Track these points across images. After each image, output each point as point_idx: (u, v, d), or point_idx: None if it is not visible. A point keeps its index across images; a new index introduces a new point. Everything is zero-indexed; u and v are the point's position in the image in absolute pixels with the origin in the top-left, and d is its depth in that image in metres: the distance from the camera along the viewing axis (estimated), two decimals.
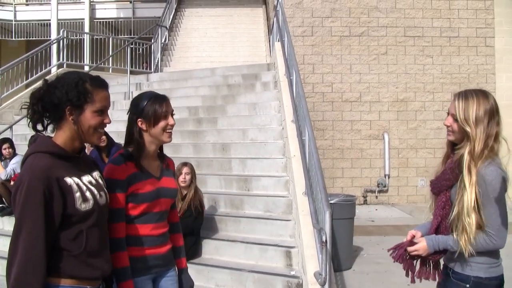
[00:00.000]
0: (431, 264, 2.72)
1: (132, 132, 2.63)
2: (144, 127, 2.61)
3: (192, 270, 3.83)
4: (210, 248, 5.78)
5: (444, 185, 2.60)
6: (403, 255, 2.68)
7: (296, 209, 5.47)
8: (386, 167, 11.22)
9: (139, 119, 2.61)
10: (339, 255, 6.27)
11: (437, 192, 2.65)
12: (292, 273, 5.06)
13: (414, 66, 11.48)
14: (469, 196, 2.39)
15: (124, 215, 2.54)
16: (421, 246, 2.59)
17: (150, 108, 2.60)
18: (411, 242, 2.65)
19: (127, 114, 2.68)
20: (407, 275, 2.73)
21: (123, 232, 2.52)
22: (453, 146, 2.66)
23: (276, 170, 6.77)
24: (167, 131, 2.65)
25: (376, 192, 11.27)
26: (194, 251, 5.60)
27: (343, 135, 11.32)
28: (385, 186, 11.20)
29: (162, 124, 2.62)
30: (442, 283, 2.71)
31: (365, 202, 11.21)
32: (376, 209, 10.60)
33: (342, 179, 11.28)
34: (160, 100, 2.64)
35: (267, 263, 5.36)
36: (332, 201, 5.69)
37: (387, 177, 11.22)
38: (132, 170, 2.58)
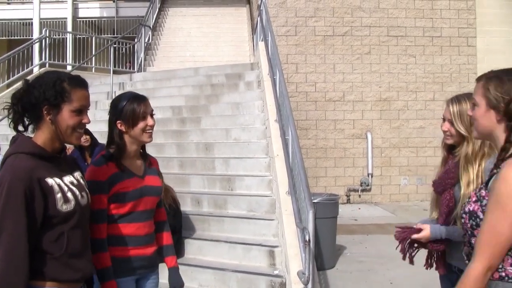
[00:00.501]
0: (435, 256, 2.84)
1: (112, 133, 2.63)
2: (123, 128, 2.60)
3: None
4: (193, 248, 5.75)
5: (448, 183, 2.73)
6: (406, 238, 2.79)
7: (279, 209, 5.47)
8: (369, 166, 11.29)
9: (118, 121, 2.60)
10: (323, 254, 6.28)
11: (441, 191, 2.79)
12: (276, 272, 5.06)
13: (397, 66, 11.56)
14: (467, 192, 2.52)
15: (106, 216, 2.53)
16: (424, 234, 2.72)
17: (129, 110, 2.59)
18: (419, 230, 2.76)
19: (108, 115, 2.67)
20: (404, 258, 2.86)
21: (105, 233, 2.52)
22: (449, 149, 2.82)
23: (259, 169, 6.75)
24: (147, 131, 2.64)
25: (359, 191, 11.34)
26: (176, 251, 5.51)
27: (327, 134, 11.37)
28: (368, 185, 11.27)
29: (141, 125, 2.61)
30: (446, 280, 2.81)
31: (348, 201, 11.26)
32: (359, 208, 10.67)
33: (326, 178, 11.32)
34: (139, 101, 2.64)
35: (250, 263, 5.35)
36: (315, 200, 5.70)
37: (370, 176, 11.28)
38: (114, 170, 2.57)
